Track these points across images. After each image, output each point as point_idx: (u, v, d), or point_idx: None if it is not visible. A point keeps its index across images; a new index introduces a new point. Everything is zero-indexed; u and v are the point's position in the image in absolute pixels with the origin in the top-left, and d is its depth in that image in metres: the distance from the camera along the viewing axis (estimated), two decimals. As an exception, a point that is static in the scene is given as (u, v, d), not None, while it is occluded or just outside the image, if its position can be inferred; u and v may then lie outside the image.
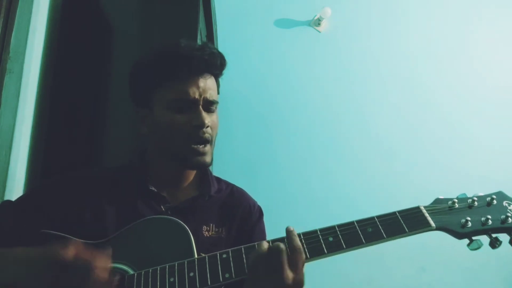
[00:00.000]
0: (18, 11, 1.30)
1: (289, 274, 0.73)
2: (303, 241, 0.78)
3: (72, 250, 0.72)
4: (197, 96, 0.95)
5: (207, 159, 0.96)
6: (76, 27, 1.59)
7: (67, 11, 1.60)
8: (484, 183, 2.46)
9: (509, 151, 2.68)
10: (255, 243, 0.80)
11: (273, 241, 0.77)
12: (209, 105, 0.98)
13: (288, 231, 0.77)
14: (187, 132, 0.94)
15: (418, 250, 2.42)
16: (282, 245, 0.73)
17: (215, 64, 0.99)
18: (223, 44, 2.51)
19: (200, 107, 0.96)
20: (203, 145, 0.95)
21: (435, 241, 2.31)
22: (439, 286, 2.46)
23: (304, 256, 0.75)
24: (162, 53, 0.98)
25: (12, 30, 1.27)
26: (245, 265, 0.77)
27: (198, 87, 0.95)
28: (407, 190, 2.47)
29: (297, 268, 0.74)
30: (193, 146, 0.94)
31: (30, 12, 1.37)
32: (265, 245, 0.76)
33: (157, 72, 0.96)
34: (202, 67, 0.97)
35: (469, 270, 2.46)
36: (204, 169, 1.08)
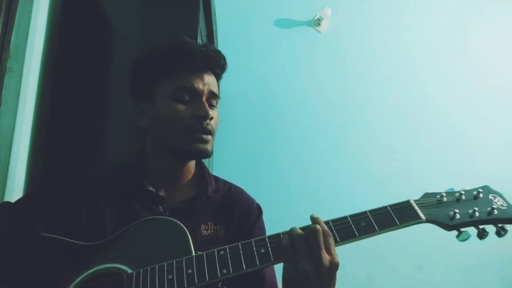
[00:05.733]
0: (18, 11, 1.30)
1: (326, 256, 0.74)
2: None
3: None
4: (201, 87, 0.97)
5: (209, 148, 0.97)
6: (76, 27, 1.59)
7: (67, 11, 1.60)
8: (484, 181, 2.46)
9: (509, 150, 2.68)
10: (257, 238, 0.80)
11: (301, 228, 0.78)
12: (212, 99, 0.99)
13: (313, 218, 0.78)
14: (190, 122, 0.94)
15: (417, 249, 2.42)
16: (318, 226, 0.75)
17: (218, 62, 1.01)
18: (223, 44, 2.52)
19: (204, 99, 0.97)
20: (206, 135, 0.96)
21: (433, 240, 2.33)
22: (437, 285, 2.46)
23: (333, 239, 0.77)
24: (168, 46, 0.99)
25: (12, 30, 1.27)
26: (243, 261, 0.77)
27: (202, 80, 0.98)
28: (407, 189, 2.46)
29: (330, 250, 0.75)
30: (195, 134, 0.95)
31: (30, 12, 1.37)
32: (298, 229, 0.77)
33: (162, 64, 0.98)
34: (206, 62, 0.99)
35: (468, 269, 2.46)
36: (201, 163, 1.09)
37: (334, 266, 0.74)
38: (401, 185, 2.55)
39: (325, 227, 0.77)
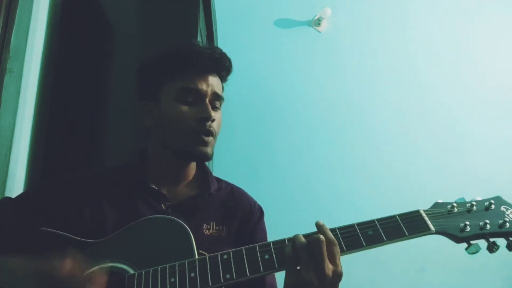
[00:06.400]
0: (18, 10, 1.30)
1: (329, 266, 0.73)
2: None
3: (67, 265, 0.72)
4: (205, 88, 0.98)
5: (209, 150, 0.97)
6: (76, 27, 1.58)
7: (67, 11, 1.60)
8: (485, 185, 2.46)
9: (509, 150, 2.68)
10: (260, 243, 0.80)
11: (305, 235, 0.76)
12: (216, 100, 1.00)
13: (319, 225, 0.77)
14: (193, 123, 0.95)
15: (418, 251, 2.41)
16: (322, 237, 0.73)
17: (223, 65, 1.02)
18: (223, 44, 2.50)
19: (207, 101, 0.98)
20: (207, 136, 0.96)
21: (435, 241, 2.31)
22: (439, 286, 2.46)
23: (339, 248, 0.75)
24: (174, 48, 1.01)
25: (12, 30, 1.27)
26: (247, 266, 0.76)
27: (207, 82, 0.98)
28: (408, 192, 2.47)
29: (335, 260, 0.74)
30: (196, 136, 0.95)
31: (30, 12, 1.37)
32: (302, 237, 0.75)
33: (169, 64, 0.99)
34: (212, 65, 1.00)
35: (469, 271, 2.46)
36: (203, 164, 1.10)
37: (337, 276, 0.73)
38: (401, 184, 2.55)
39: (331, 235, 0.75)
